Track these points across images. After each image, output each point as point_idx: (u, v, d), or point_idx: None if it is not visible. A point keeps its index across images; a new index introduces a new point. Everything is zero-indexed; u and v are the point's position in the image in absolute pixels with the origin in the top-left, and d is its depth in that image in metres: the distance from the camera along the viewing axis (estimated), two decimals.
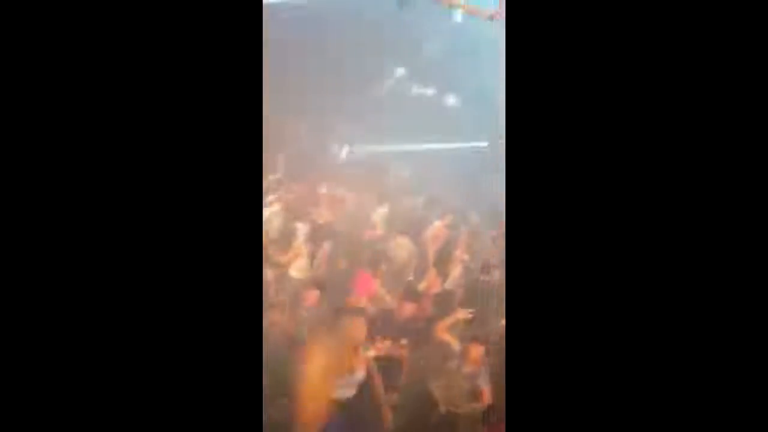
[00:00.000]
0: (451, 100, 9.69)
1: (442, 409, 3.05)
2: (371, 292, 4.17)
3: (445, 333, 3.56)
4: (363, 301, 3.98)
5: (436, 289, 4.67)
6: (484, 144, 11.02)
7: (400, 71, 9.71)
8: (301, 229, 4.90)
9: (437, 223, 6.29)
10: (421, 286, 4.58)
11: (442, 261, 5.21)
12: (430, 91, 9.74)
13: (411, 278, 4.95)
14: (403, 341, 3.39)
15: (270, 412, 2.31)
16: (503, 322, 4.34)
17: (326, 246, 5.04)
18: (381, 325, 3.59)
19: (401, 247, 5.29)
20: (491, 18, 4.44)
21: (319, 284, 3.98)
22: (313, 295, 3.81)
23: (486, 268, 4.79)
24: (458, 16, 7.52)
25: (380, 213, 6.45)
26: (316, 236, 5.00)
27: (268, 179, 5.70)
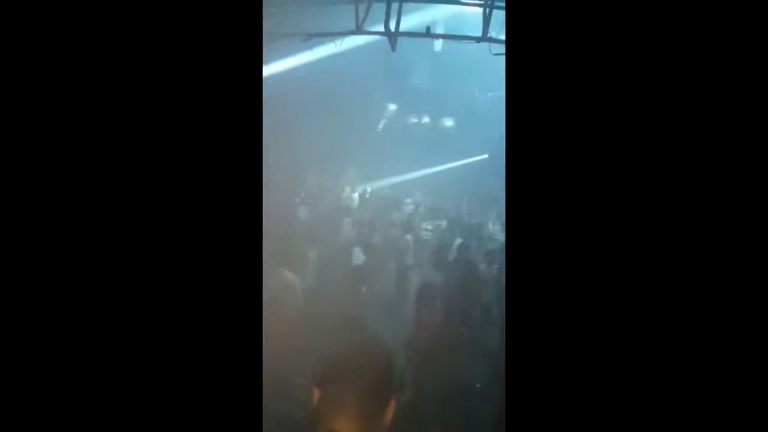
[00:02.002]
0: (447, 122, 10.09)
1: None
2: None
3: None
4: None
5: None
6: (485, 156, 11.43)
7: (392, 107, 10.15)
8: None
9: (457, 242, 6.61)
10: None
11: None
12: (425, 119, 10.15)
13: None
14: None
15: None
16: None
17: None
18: None
19: None
20: None
21: None
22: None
23: None
24: (438, 45, 7.97)
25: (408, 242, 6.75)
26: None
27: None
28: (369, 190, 9.93)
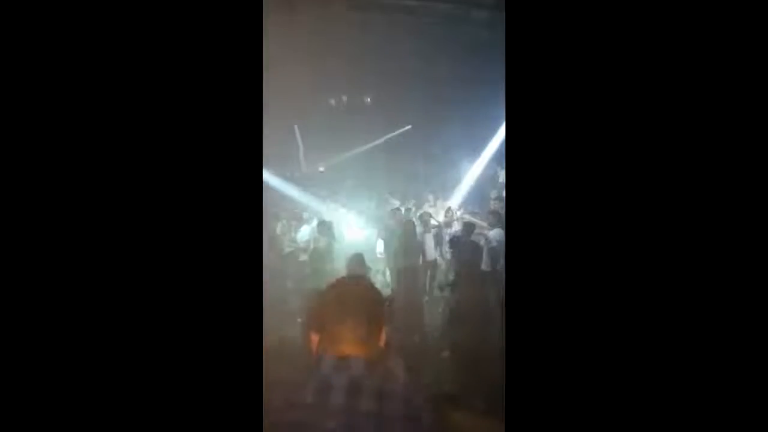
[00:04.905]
0: (366, 98, 10.19)
1: None
2: None
3: None
4: None
5: None
6: (409, 127, 11.73)
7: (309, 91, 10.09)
8: None
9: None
10: None
11: None
12: (344, 97, 10.20)
13: None
14: None
15: None
16: None
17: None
18: None
19: None
20: None
21: None
22: None
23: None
24: None
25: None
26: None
27: None
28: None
